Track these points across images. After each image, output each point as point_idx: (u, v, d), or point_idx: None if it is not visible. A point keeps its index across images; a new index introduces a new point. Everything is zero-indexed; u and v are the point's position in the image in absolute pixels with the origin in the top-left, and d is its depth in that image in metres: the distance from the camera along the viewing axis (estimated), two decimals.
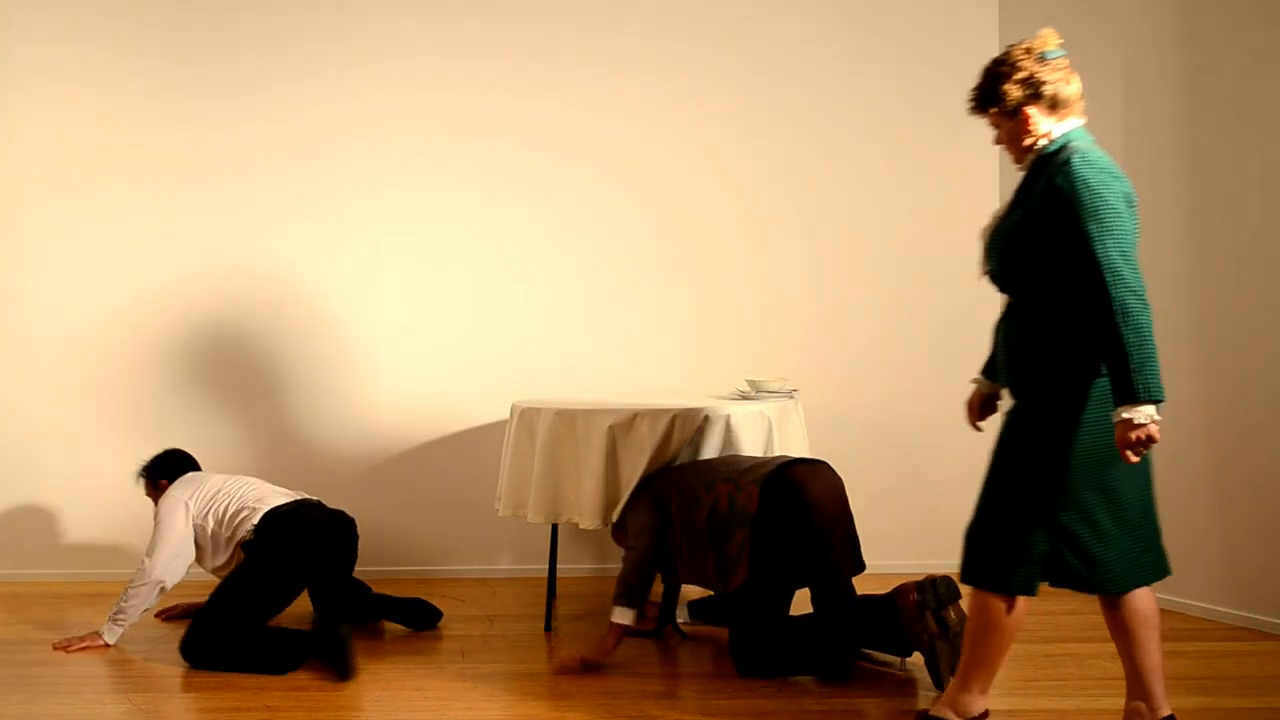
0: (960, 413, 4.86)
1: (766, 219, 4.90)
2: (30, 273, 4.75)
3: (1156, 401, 2.38)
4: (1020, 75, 2.54)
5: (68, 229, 4.74)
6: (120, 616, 3.67)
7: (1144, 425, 2.37)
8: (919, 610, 3.23)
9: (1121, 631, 2.63)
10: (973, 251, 4.82)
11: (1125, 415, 2.39)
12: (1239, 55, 3.88)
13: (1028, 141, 2.59)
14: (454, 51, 4.82)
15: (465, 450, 4.78)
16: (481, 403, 4.75)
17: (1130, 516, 2.59)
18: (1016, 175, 2.74)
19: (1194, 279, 4.03)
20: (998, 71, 2.58)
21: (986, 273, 2.70)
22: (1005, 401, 2.81)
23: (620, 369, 4.81)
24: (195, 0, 4.77)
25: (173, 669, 3.44)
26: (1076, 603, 4.22)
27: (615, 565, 4.83)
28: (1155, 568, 2.65)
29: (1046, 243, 2.51)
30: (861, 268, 4.91)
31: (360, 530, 3.98)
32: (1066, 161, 2.50)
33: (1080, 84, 2.60)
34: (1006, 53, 2.60)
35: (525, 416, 3.89)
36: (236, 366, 4.76)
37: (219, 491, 3.78)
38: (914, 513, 4.71)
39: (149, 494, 3.97)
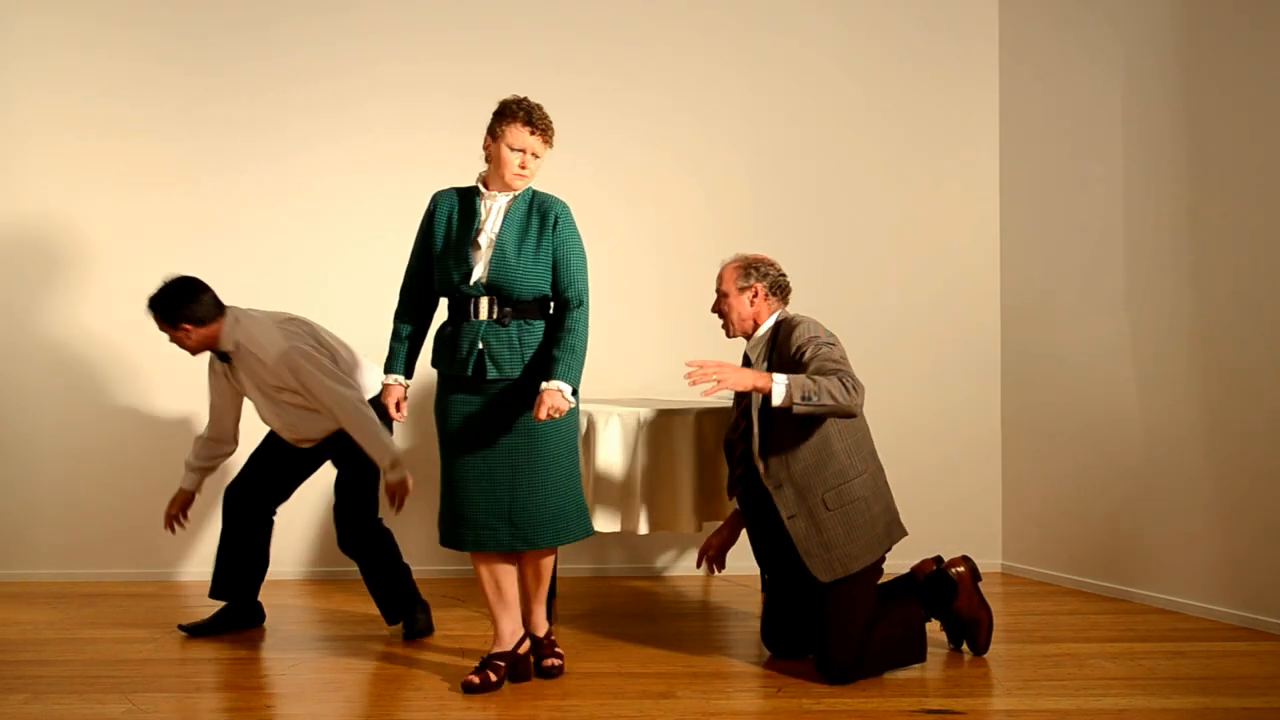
0: (961, 413, 4.90)
1: (769, 219, 4.90)
2: (32, 269, 4.77)
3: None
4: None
5: (73, 226, 4.76)
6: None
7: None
8: (973, 581, 3.49)
9: (521, 575, 3.31)
10: (973, 253, 4.87)
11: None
12: (1239, 55, 3.88)
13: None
14: (455, 52, 4.84)
15: None
16: None
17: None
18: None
19: (1194, 279, 4.03)
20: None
21: None
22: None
23: (620, 368, 4.81)
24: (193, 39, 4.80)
25: (173, 669, 3.44)
26: (1075, 603, 4.24)
27: (615, 565, 4.86)
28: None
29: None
30: (864, 269, 4.91)
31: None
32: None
33: None
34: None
35: None
36: None
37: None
38: (915, 512, 4.69)
39: (184, 341, 3.65)
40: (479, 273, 3.14)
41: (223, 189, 4.81)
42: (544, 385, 3.06)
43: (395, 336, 3.29)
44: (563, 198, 3.30)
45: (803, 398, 3.05)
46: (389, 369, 3.27)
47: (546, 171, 4.74)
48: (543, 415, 3.03)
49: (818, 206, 4.91)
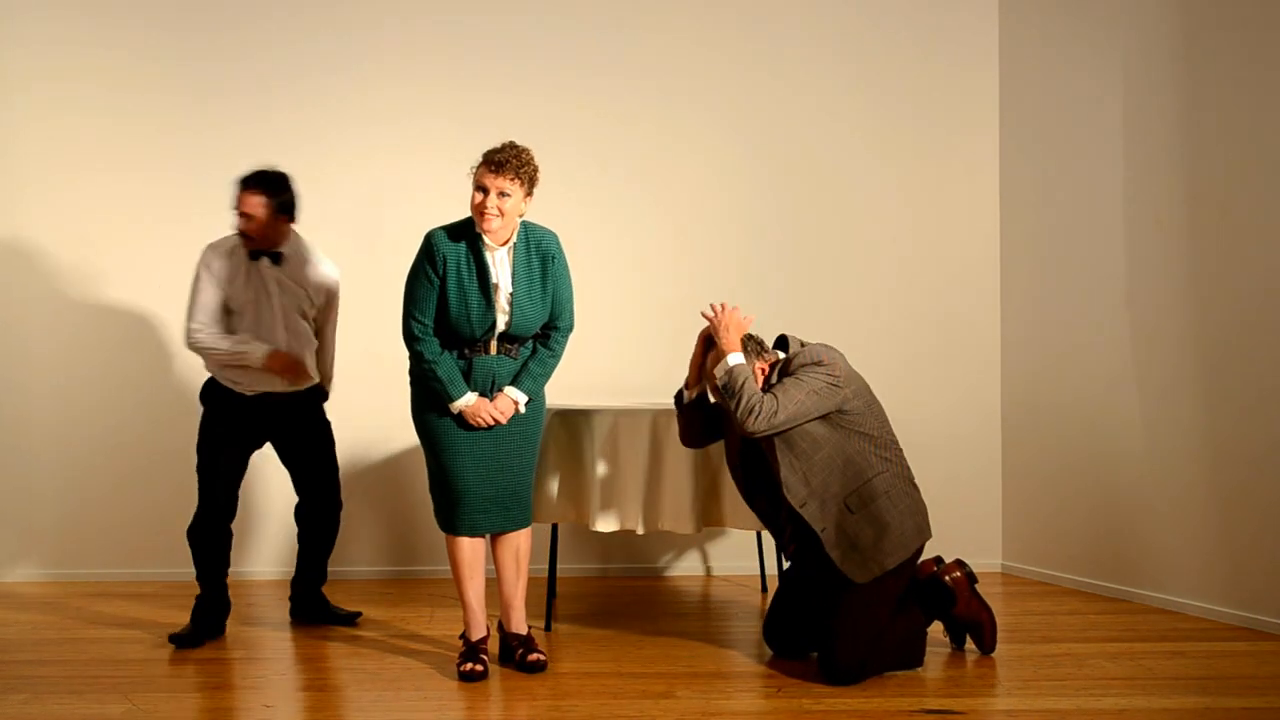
0: (961, 414, 4.91)
1: (772, 219, 4.91)
2: (31, 269, 4.77)
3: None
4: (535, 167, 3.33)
5: (72, 225, 4.77)
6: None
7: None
8: (970, 585, 3.50)
9: (501, 568, 3.46)
10: (973, 252, 4.88)
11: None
12: (1239, 55, 3.88)
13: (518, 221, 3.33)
14: (460, 50, 4.85)
15: None
16: None
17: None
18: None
19: (1194, 279, 4.03)
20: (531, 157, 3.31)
21: None
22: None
23: (619, 369, 4.82)
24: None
25: (172, 669, 3.44)
26: (1075, 603, 4.24)
27: (615, 565, 4.87)
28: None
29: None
30: (864, 269, 4.92)
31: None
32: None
33: None
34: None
35: None
36: None
37: None
38: None
39: (255, 216, 3.75)
40: (501, 325, 3.32)
41: (224, 181, 4.81)
42: (506, 389, 3.35)
43: (444, 362, 3.30)
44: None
45: (723, 386, 3.24)
46: (461, 391, 3.29)
47: (550, 169, 4.79)
48: (485, 413, 3.30)
49: (819, 207, 4.92)
